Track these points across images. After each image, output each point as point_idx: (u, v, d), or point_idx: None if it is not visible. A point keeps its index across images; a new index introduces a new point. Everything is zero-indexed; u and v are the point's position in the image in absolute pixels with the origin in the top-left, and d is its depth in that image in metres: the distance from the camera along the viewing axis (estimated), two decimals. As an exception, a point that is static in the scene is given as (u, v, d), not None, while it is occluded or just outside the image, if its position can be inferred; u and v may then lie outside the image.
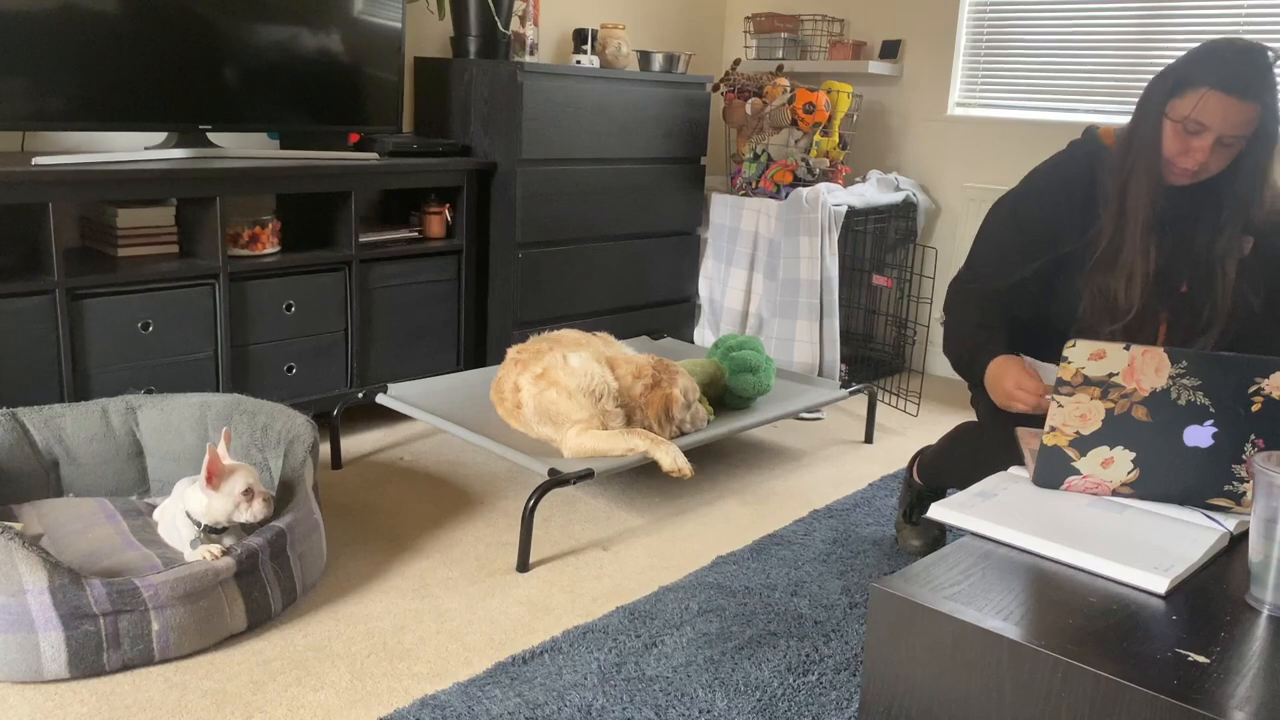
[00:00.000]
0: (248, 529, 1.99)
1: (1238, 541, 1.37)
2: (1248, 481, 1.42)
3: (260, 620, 1.89)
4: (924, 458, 2.35)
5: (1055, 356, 1.48)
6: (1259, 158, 1.75)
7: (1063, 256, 1.91)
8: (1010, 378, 1.78)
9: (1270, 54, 1.70)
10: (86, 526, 2.02)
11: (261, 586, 1.88)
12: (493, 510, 2.50)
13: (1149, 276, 1.82)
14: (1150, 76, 1.84)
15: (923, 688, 1.17)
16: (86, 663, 1.69)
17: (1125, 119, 1.91)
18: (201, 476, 1.91)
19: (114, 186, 2.43)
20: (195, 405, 2.36)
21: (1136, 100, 1.85)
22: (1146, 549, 1.32)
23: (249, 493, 1.93)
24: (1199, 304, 1.85)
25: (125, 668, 1.73)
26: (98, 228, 2.66)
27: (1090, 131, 1.98)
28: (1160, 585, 1.23)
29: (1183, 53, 1.80)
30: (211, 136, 2.74)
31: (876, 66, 3.91)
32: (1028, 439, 1.65)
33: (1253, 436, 1.40)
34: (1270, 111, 1.71)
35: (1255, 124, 1.70)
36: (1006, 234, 1.98)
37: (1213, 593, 1.25)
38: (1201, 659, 1.09)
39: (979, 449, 2.04)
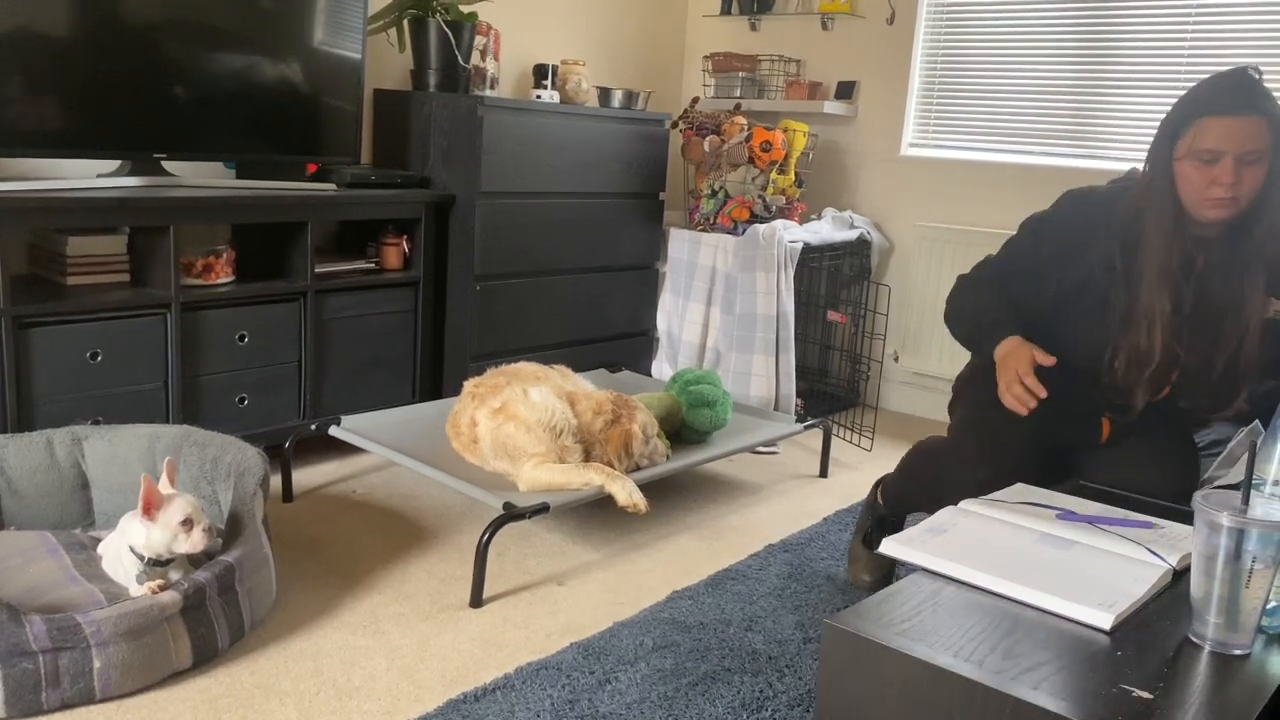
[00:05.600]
0: (194, 561, 1.96)
1: (1180, 577, 1.40)
2: None
3: (206, 657, 1.85)
4: (886, 485, 2.36)
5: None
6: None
7: (1063, 296, 1.93)
8: (1023, 360, 1.83)
9: (1253, 71, 1.73)
10: (27, 561, 1.97)
11: (208, 622, 1.85)
12: (446, 544, 2.48)
13: (1168, 319, 1.82)
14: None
15: (874, 724, 1.18)
16: (24, 702, 1.64)
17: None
18: (138, 507, 1.88)
19: (64, 214, 2.40)
20: (144, 437, 2.32)
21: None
22: (1092, 585, 1.34)
23: (187, 523, 1.89)
24: (1214, 358, 1.86)
25: (65, 707, 1.69)
26: (47, 255, 2.62)
27: (1134, 174, 1.98)
28: (1106, 621, 1.26)
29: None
30: (166, 165, 2.72)
31: (832, 106, 3.98)
32: None
33: None
34: (1277, 124, 1.71)
35: (1268, 138, 1.70)
36: (1026, 245, 2.02)
37: (1157, 629, 1.27)
38: (1146, 695, 1.11)
39: (938, 466, 2.05)
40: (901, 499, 2.28)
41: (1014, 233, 2.07)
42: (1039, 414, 1.83)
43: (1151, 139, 1.85)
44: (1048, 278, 1.95)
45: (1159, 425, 1.94)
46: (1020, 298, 1.98)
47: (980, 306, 2.01)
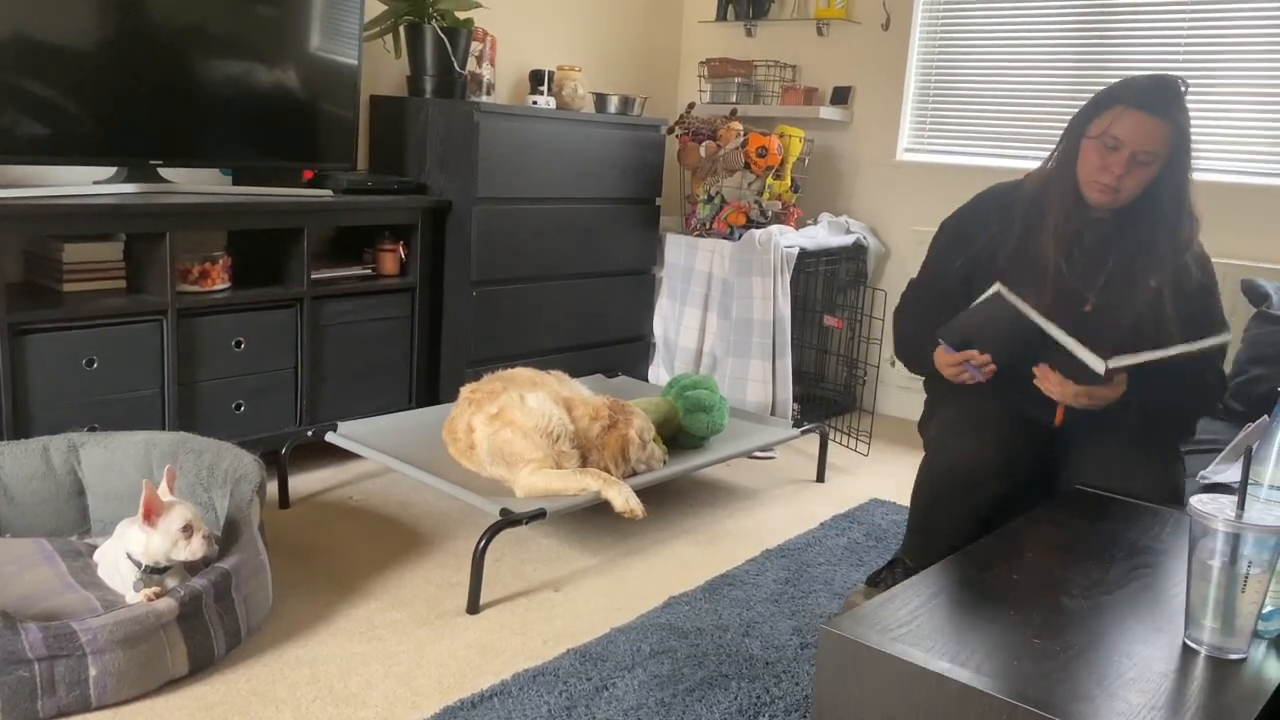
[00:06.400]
0: (191, 569, 1.95)
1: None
2: None
3: (203, 664, 1.85)
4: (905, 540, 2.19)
5: None
6: (1176, 182, 1.88)
7: (972, 266, 2.04)
8: (955, 356, 1.99)
9: (1180, 83, 1.85)
10: (23, 568, 1.97)
11: (205, 630, 1.84)
12: (443, 551, 2.48)
13: (1058, 276, 1.92)
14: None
15: (871, 730, 1.18)
16: (19, 710, 1.64)
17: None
18: (139, 514, 1.88)
19: (61, 221, 2.40)
20: (140, 443, 2.32)
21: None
22: None
23: (187, 529, 1.89)
24: (1111, 322, 1.91)
25: (61, 715, 1.68)
26: (43, 262, 2.62)
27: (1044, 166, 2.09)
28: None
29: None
30: (163, 172, 2.72)
31: (828, 112, 3.99)
32: None
33: None
34: (1182, 135, 1.85)
35: (1167, 144, 1.84)
36: (942, 244, 2.16)
37: (1152, 634, 1.28)
38: (1143, 700, 1.11)
39: (929, 470, 2.03)
40: (915, 531, 2.12)
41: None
42: (1006, 395, 1.97)
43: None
44: (960, 265, 2.07)
45: (1141, 431, 1.95)
46: (951, 298, 2.06)
47: (910, 334, 2.17)
